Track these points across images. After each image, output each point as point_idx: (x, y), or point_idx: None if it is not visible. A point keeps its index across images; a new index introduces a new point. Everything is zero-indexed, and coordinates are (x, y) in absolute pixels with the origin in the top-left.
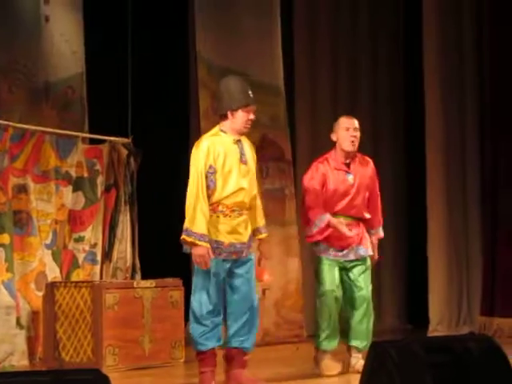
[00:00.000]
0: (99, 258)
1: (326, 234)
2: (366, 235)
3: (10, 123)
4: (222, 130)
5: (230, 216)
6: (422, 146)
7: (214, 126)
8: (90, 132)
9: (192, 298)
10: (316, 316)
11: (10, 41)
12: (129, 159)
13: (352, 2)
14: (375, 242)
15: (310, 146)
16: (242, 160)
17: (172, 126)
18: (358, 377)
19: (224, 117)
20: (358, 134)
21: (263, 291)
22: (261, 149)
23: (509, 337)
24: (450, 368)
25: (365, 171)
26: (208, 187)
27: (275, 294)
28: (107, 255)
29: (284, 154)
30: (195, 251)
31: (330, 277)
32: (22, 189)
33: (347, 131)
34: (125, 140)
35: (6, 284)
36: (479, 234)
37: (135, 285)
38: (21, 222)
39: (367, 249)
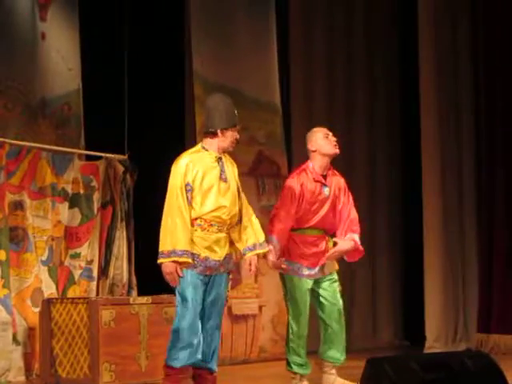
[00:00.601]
0: (95, 274)
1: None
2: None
3: (6, 140)
4: (204, 148)
5: (208, 230)
6: (418, 161)
7: None
8: (87, 148)
9: (177, 311)
10: (290, 340)
11: (6, 57)
12: (125, 176)
13: (348, 19)
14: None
15: None
16: (222, 177)
17: (168, 142)
18: None
19: (212, 134)
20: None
21: (260, 308)
22: (257, 165)
23: (505, 353)
24: None
25: (338, 183)
26: None
27: (271, 310)
28: (103, 272)
29: (280, 171)
30: (165, 268)
31: (304, 301)
32: (19, 205)
33: (327, 138)
34: (121, 156)
35: (2, 300)
36: (475, 251)
37: (131, 301)
38: (17, 238)
39: (335, 262)
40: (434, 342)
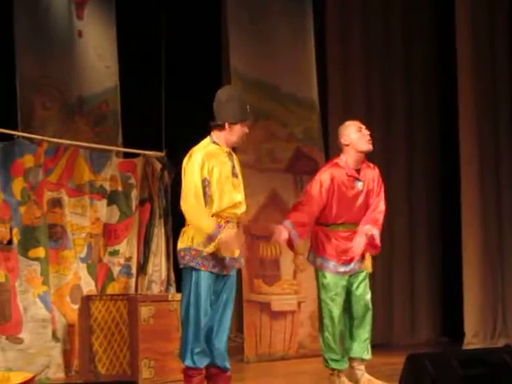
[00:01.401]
0: (134, 271)
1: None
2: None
3: (45, 138)
4: (214, 142)
5: (225, 228)
6: (456, 158)
7: (247, 139)
8: (124, 146)
9: (188, 312)
10: (325, 337)
11: (43, 56)
12: (163, 173)
13: (385, 15)
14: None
15: None
16: (234, 173)
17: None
18: None
19: (220, 127)
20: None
21: (298, 304)
22: (295, 162)
23: None
24: (486, 381)
25: (372, 176)
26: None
27: (310, 306)
28: (142, 268)
29: (318, 167)
30: (221, 241)
31: (339, 298)
32: (57, 203)
33: (360, 132)
34: (159, 154)
35: (41, 297)
36: None
37: (170, 298)
38: (56, 235)
39: (368, 257)
40: (473, 338)
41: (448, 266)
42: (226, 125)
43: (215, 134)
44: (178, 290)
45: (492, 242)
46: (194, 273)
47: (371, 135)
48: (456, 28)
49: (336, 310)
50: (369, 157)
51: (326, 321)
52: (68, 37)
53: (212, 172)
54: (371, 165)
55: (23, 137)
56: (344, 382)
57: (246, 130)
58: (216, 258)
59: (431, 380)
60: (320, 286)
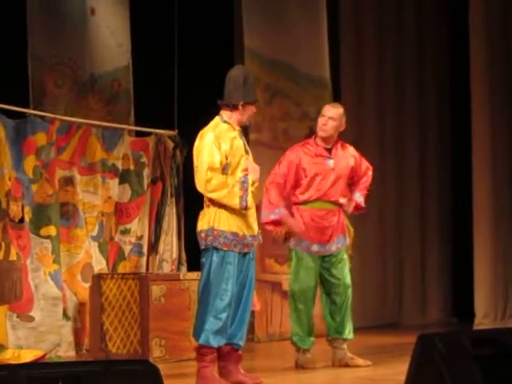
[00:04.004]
0: (145, 250)
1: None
2: (345, 222)
3: (57, 116)
4: (224, 121)
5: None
6: (468, 136)
7: (261, 118)
8: (136, 124)
9: (209, 290)
10: (293, 314)
11: (55, 34)
12: (175, 152)
13: None
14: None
15: (355, 139)
16: (246, 150)
17: None
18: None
19: (232, 107)
20: (329, 122)
21: None
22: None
23: None
24: (498, 361)
25: (345, 154)
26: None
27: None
28: (153, 247)
29: None
30: (249, 166)
31: (311, 278)
32: (69, 181)
33: (322, 117)
34: (171, 132)
35: (52, 275)
36: None
37: (181, 277)
38: (67, 214)
39: (347, 237)
40: (483, 318)
41: (459, 246)
42: (240, 105)
43: (225, 114)
44: (190, 269)
45: (503, 222)
46: (215, 252)
47: (384, 113)
48: (469, 5)
49: (307, 288)
50: (383, 132)
51: (292, 299)
52: (80, 14)
53: (227, 151)
54: (347, 145)
55: (35, 115)
56: (308, 358)
57: (254, 110)
58: (237, 237)
59: (443, 360)
60: (292, 264)
